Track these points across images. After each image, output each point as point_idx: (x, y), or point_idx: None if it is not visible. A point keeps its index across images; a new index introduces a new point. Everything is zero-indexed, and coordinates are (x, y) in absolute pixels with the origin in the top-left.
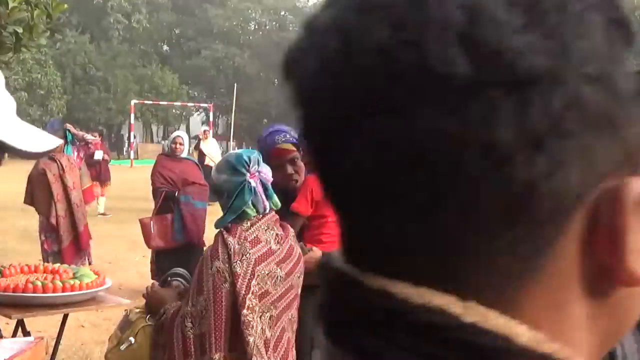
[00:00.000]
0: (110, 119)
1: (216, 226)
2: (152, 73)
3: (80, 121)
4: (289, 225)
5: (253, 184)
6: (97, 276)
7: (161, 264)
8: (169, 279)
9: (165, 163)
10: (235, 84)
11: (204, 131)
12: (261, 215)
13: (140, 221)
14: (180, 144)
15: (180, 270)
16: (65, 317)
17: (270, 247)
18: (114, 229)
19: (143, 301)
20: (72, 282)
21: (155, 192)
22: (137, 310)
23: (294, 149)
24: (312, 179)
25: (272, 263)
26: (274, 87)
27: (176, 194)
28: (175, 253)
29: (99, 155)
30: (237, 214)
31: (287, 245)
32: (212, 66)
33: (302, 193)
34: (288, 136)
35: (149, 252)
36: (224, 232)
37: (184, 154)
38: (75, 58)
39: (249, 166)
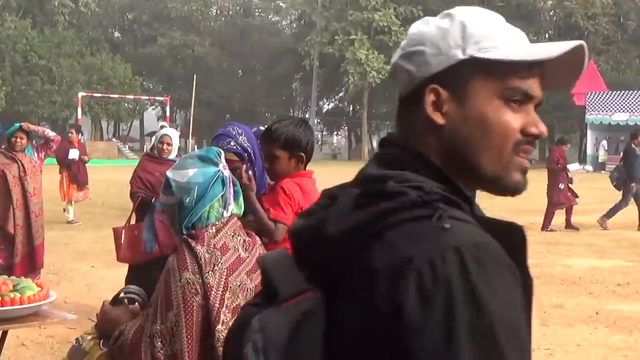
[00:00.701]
0: (55, 113)
1: (179, 230)
2: (102, 63)
3: (20, 115)
4: (253, 232)
5: (226, 174)
6: (40, 289)
7: (130, 280)
8: (122, 295)
9: (146, 165)
10: (195, 75)
11: (177, 128)
12: (225, 220)
13: (114, 230)
14: (168, 144)
15: (133, 287)
16: (4, 334)
17: (240, 255)
18: (61, 236)
19: (92, 318)
20: (11, 295)
21: (132, 198)
22: (90, 336)
23: (235, 159)
24: (287, 182)
25: (243, 273)
26: (238, 79)
27: (153, 200)
28: (148, 268)
29: (74, 154)
30: (205, 210)
31: (256, 254)
32: (169, 55)
33: (281, 198)
34: (232, 144)
35: (98, 262)
36: (190, 240)
37: (172, 156)
38: (16, 45)
39: (220, 157)
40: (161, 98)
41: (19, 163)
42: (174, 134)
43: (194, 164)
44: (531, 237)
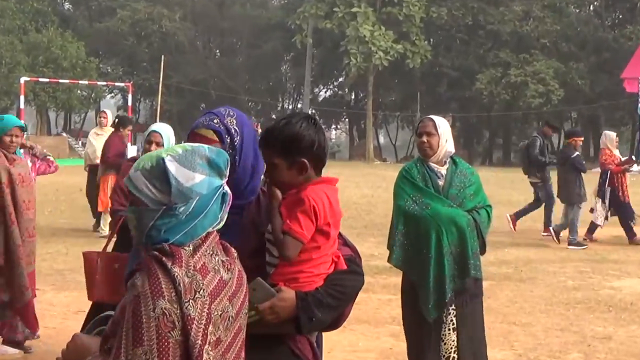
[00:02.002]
0: None
1: (151, 240)
2: (49, 40)
3: None
4: (229, 246)
5: (227, 190)
6: None
7: (97, 314)
8: (98, 327)
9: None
10: (163, 56)
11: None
12: (204, 236)
13: (85, 257)
14: (158, 143)
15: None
16: None
17: (222, 277)
18: None
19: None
20: None
21: (112, 216)
22: None
23: (214, 138)
24: (313, 191)
25: (225, 299)
26: (214, 61)
27: None
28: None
29: (133, 152)
30: (194, 227)
31: (237, 273)
32: (131, 32)
33: (300, 209)
34: (216, 121)
35: (45, 285)
36: (164, 258)
37: None
38: None
39: (227, 169)
40: (122, 84)
41: (8, 172)
42: (166, 131)
43: (203, 168)
44: (573, 253)
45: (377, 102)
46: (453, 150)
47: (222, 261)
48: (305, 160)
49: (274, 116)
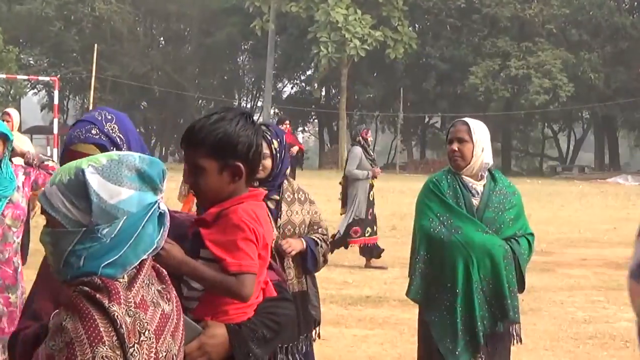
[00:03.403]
0: None
1: (74, 273)
2: None
3: None
4: (160, 268)
5: (164, 208)
6: None
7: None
8: None
9: None
10: (96, 46)
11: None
12: (139, 264)
13: None
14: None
15: None
16: None
17: (164, 311)
18: None
19: None
20: None
21: None
22: None
23: (96, 154)
24: (244, 212)
25: (168, 335)
26: (158, 51)
27: None
28: None
29: None
30: (124, 254)
31: (175, 303)
32: (59, 16)
33: (240, 237)
34: (94, 132)
35: None
36: (98, 295)
37: None
38: None
39: (163, 182)
40: (47, 78)
41: None
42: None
43: (132, 181)
44: (584, 279)
45: (352, 100)
46: (491, 162)
47: (159, 291)
48: (241, 165)
49: None
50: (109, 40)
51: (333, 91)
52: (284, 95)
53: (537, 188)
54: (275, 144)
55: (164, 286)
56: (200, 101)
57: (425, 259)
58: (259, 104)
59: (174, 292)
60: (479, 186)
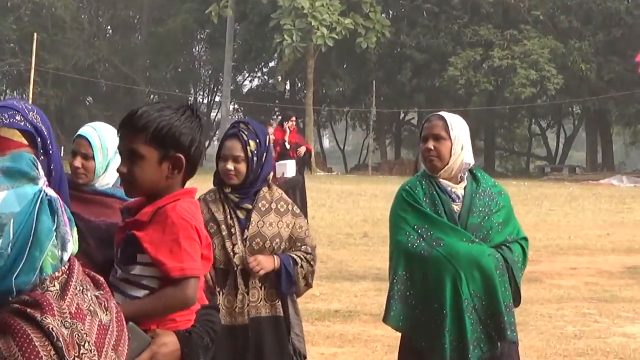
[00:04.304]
0: None
1: None
2: None
3: None
4: (96, 275)
5: (52, 194)
6: None
7: None
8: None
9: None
10: (36, 35)
11: None
12: (67, 267)
13: None
14: (86, 156)
15: None
16: None
17: (101, 321)
18: None
19: None
20: None
21: None
22: None
23: (22, 141)
24: (183, 208)
25: (109, 348)
26: (105, 41)
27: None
28: None
29: (291, 168)
30: (35, 257)
31: (115, 312)
32: None
33: (183, 236)
34: (19, 118)
35: None
36: (29, 310)
37: (102, 181)
38: None
39: (36, 168)
40: None
41: None
42: (102, 133)
43: (0, 182)
44: (574, 290)
45: (320, 95)
46: (472, 162)
47: (96, 297)
48: (183, 158)
49: None
50: (50, 29)
51: (298, 85)
52: (244, 89)
53: (524, 190)
54: (252, 145)
55: (102, 292)
56: (151, 96)
57: (405, 278)
58: (217, 98)
59: (114, 301)
60: (459, 189)
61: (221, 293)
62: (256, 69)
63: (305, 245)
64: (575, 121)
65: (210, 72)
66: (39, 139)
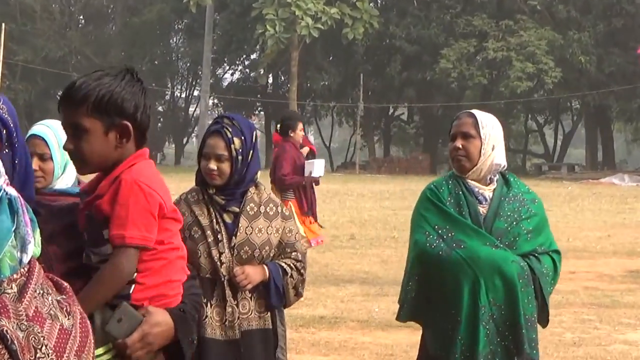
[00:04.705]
0: None
1: None
2: None
3: None
4: (60, 280)
5: (13, 193)
6: None
7: None
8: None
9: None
10: (4, 26)
11: None
12: (27, 270)
13: None
14: (42, 156)
15: None
16: None
17: (63, 325)
18: None
19: None
20: None
21: None
22: None
23: None
24: (137, 174)
25: (72, 355)
26: (77, 32)
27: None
28: None
29: (319, 168)
30: None
31: (79, 318)
32: None
33: (134, 204)
34: None
35: None
36: None
37: (62, 182)
38: None
39: None
40: None
41: None
42: (58, 131)
43: None
44: (572, 295)
45: (304, 89)
46: (503, 164)
47: (58, 301)
48: (129, 124)
49: (160, 108)
50: (19, 18)
51: (282, 78)
52: (225, 83)
53: None
54: (237, 143)
55: (65, 297)
56: None
57: (421, 280)
58: (196, 92)
59: (78, 306)
60: (487, 191)
61: (209, 304)
62: (237, 62)
63: (296, 252)
64: (574, 117)
65: (188, 64)
66: (4, 131)
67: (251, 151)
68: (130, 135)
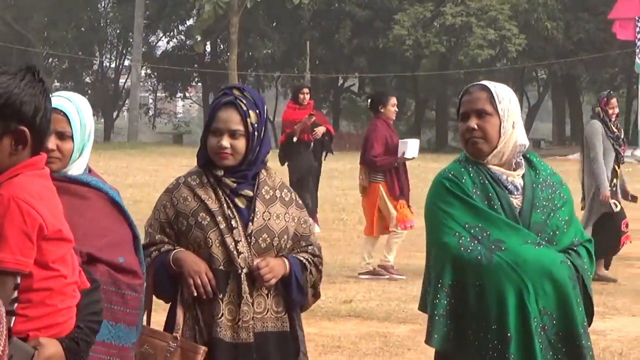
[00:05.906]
0: None
1: None
2: None
3: None
4: None
5: None
6: None
7: None
8: None
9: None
10: None
11: None
12: None
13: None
14: (62, 135)
15: None
16: None
17: None
18: None
19: None
20: None
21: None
22: None
23: None
24: (21, 187)
25: None
26: (65, 19)
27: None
28: None
29: (414, 148)
30: None
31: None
32: None
33: (9, 225)
34: None
35: None
36: None
37: (73, 167)
38: None
39: None
40: None
41: None
42: (80, 106)
43: None
44: None
45: (246, 58)
46: (526, 143)
47: None
48: (27, 130)
49: (87, 79)
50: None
51: (221, 46)
52: (158, 52)
53: None
54: (253, 117)
55: None
56: (50, 59)
57: (455, 290)
58: (126, 62)
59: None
60: (517, 179)
61: (222, 301)
62: (172, 28)
63: (312, 246)
64: (540, 88)
65: (118, 31)
66: None
67: (263, 127)
68: (27, 141)
